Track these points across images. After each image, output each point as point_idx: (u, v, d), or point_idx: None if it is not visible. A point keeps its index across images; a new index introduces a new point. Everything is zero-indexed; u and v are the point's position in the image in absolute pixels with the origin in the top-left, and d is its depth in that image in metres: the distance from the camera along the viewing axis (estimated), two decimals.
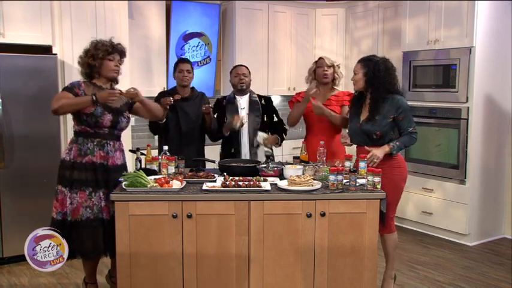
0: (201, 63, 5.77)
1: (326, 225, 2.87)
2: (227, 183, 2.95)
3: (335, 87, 4.00)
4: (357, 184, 2.95)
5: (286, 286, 2.91)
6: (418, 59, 5.15)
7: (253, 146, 3.98)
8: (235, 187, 2.91)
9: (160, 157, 3.33)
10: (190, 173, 3.26)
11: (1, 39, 4.17)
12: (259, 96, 4.16)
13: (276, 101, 4.33)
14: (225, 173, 3.19)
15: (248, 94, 4.11)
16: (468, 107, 4.72)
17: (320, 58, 3.98)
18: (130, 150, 3.71)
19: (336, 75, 3.95)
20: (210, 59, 5.88)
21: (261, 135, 3.93)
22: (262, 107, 4.09)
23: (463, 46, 4.71)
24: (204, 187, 2.93)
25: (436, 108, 4.99)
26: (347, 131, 3.59)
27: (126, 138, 4.21)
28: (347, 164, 3.15)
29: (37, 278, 3.92)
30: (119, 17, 4.80)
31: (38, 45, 4.36)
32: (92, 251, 3.14)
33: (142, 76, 5.29)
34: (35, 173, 4.25)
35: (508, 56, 4.92)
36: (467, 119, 4.73)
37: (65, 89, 3.20)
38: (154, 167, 3.32)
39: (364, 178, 2.99)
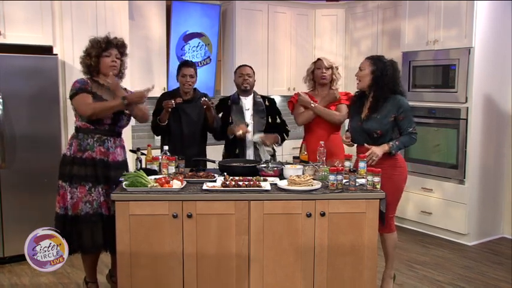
0: (201, 63, 5.78)
1: (326, 225, 2.88)
2: (227, 183, 2.96)
3: (333, 88, 3.99)
4: (357, 184, 2.96)
5: (286, 285, 2.92)
6: (417, 60, 5.16)
7: (256, 148, 3.98)
8: (235, 187, 2.92)
9: (160, 157, 3.35)
10: (190, 173, 3.27)
11: (2, 40, 4.19)
12: (263, 97, 4.16)
13: (276, 101, 4.33)
14: (225, 173, 3.20)
15: (252, 95, 4.10)
16: (467, 107, 4.74)
17: (318, 59, 3.98)
18: (130, 150, 3.72)
19: (334, 76, 3.96)
20: (210, 59, 5.89)
21: (257, 135, 3.94)
22: (266, 108, 4.10)
23: (462, 46, 4.72)
24: (204, 187, 2.94)
25: (435, 109, 5.00)
26: (348, 129, 3.61)
27: (127, 138, 4.21)
28: (347, 164, 3.16)
29: (38, 278, 3.93)
30: (119, 18, 4.81)
31: (38, 46, 4.38)
32: (91, 245, 3.17)
33: (142, 76, 5.30)
34: (36, 173, 4.27)
35: (507, 56, 4.94)
36: (467, 119, 4.75)
37: (80, 90, 3.15)
38: (155, 167, 3.34)
39: (363, 178, 3.00)
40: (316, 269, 2.91)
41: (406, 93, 3.58)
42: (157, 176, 3.08)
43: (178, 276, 2.87)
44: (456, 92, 4.81)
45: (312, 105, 3.86)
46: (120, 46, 3.28)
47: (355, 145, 3.53)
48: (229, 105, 4.07)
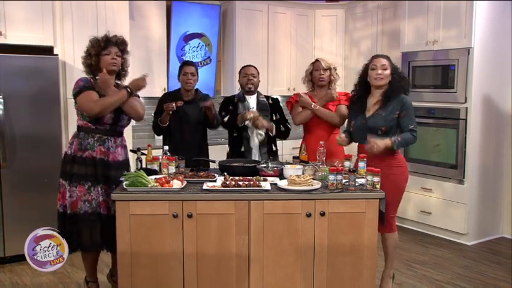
0: (201, 63, 5.79)
1: (325, 225, 2.89)
2: (227, 183, 2.97)
3: (333, 90, 3.98)
4: (356, 184, 2.96)
5: (286, 285, 2.93)
6: (417, 60, 5.17)
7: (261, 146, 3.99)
8: (235, 187, 2.93)
9: (160, 157, 3.36)
10: (190, 173, 3.28)
11: (3, 40, 4.20)
12: (266, 97, 4.17)
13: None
14: (225, 173, 3.21)
15: (256, 95, 4.11)
16: (467, 108, 4.75)
17: (316, 60, 3.97)
18: (131, 150, 3.73)
19: (332, 77, 3.95)
20: (211, 59, 5.91)
21: (253, 111, 3.94)
22: (270, 106, 4.10)
23: (462, 47, 4.73)
24: (205, 187, 2.95)
25: (434, 109, 5.01)
26: (342, 131, 3.61)
27: (127, 138, 4.21)
28: (346, 163, 3.17)
29: (39, 277, 3.94)
30: (119, 18, 4.82)
31: (39, 46, 4.39)
32: (90, 244, 3.18)
33: None
34: (36, 173, 4.28)
35: (507, 57, 4.95)
36: (466, 119, 4.76)
37: (85, 88, 3.14)
38: (155, 166, 3.35)
39: (363, 178, 3.02)
40: (316, 268, 2.92)
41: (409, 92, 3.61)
42: (157, 176, 3.09)
43: (178, 275, 2.87)
44: (455, 92, 4.82)
45: (313, 106, 3.86)
46: (119, 44, 3.27)
47: (357, 145, 3.54)
48: (236, 103, 4.06)
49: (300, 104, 3.94)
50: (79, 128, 3.23)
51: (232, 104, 4.08)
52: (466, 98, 4.75)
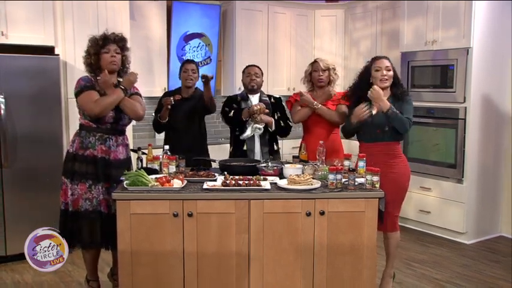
0: (201, 63, 5.81)
1: (325, 224, 2.90)
2: (227, 182, 2.99)
3: (331, 88, 3.99)
4: (356, 183, 2.98)
5: (285, 284, 2.94)
6: (416, 60, 5.19)
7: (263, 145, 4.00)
8: (235, 186, 2.94)
9: (161, 156, 3.37)
10: (191, 172, 3.29)
11: (4, 40, 4.22)
12: (269, 96, 4.17)
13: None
14: (226, 172, 3.23)
15: (258, 94, 4.11)
16: (465, 107, 4.77)
17: (315, 61, 3.97)
18: (131, 150, 3.75)
19: (331, 77, 3.96)
20: (211, 59, 5.92)
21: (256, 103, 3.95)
22: (272, 105, 4.10)
23: (461, 47, 4.75)
24: (205, 186, 2.96)
25: (433, 108, 5.03)
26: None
27: (128, 137, 4.25)
28: (346, 163, 3.18)
29: (40, 276, 3.96)
30: (120, 18, 4.84)
31: (40, 46, 4.40)
32: (90, 241, 3.21)
33: (143, 77, 5.24)
34: (37, 172, 4.30)
35: (505, 56, 4.97)
36: (465, 119, 4.78)
37: (86, 88, 3.16)
38: (156, 166, 3.36)
39: (362, 177, 3.03)
40: (315, 267, 2.94)
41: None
42: (158, 175, 3.10)
43: (179, 274, 2.89)
44: (454, 92, 4.84)
45: (315, 105, 3.87)
46: (118, 41, 3.27)
47: (358, 145, 3.56)
48: (239, 101, 4.07)
49: (301, 103, 3.94)
50: (81, 126, 3.26)
51: (235, 103, 4.09)
52: (465, 98, 4.77)
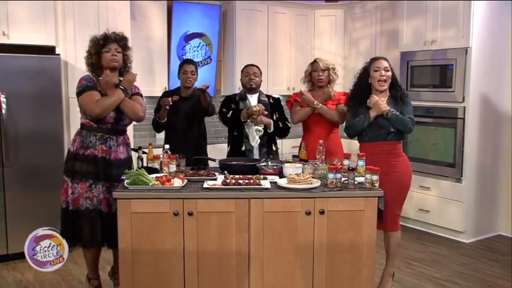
0: (201, 63, 5.83)
1: (325, 223, 2.92)
2: (228, 181, 3.00)
3: (330, 88, 4.00)
4: (356, 182, 2.99)
5: (285, 283, 2.96)
6: (415, 59, 5.21)
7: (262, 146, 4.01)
8: (235, 185, 2.95)
9: (161, 155, 3.39)
10: (191, 171, 3.30)
11: (6, 40, 4.24)
12: (267, 96, 4.18)
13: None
14: (226, 171, 3.24)
15: (257, 94, 4.11)
16: (464, 107, 4.79)
17: (315, 61, 3.98)
18: (132, 149, 3.77)
19: (331, 77, 3.97)
20: (211, 59, 5.94)
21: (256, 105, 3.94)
22: (271, 106, 4.11)
23: (460, 47, 4.77)
24: (205, 185, 2.97)
25: (433, 108, 5.05)
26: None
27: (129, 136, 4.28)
28: (345, 162, 3.19)
29: (41, 275, 3.96)
30: (121, 18, 4.85)
31: (41, 46, 4.42)
32: (90, 240, 3.22)
33: (143, 77, 5.31)
34: (39, 171, 4.33)
35: (504, 56, 4.99)
36: (464, 119, 4.80)
37: (87, 88, 3.17)
38: (156, 165, 3.37)
39: (362, 176, 3.05)
40: (315, 266, 2.95)
41: None
42: (158, 175, 3.11)
43: (179, 273, 2.90)
44: (453, 91, 4.86)
45: (316, 104, 3.88)
46: (119, 40, 3.28)
47: (357, 144, 3.58)
48: (237, 101, 4.08)
49: (302, 102, 3.94)
50: (82, 125, 3.28)
51: (233, 103, 4.10)
52: (464, 97, 4.79)
